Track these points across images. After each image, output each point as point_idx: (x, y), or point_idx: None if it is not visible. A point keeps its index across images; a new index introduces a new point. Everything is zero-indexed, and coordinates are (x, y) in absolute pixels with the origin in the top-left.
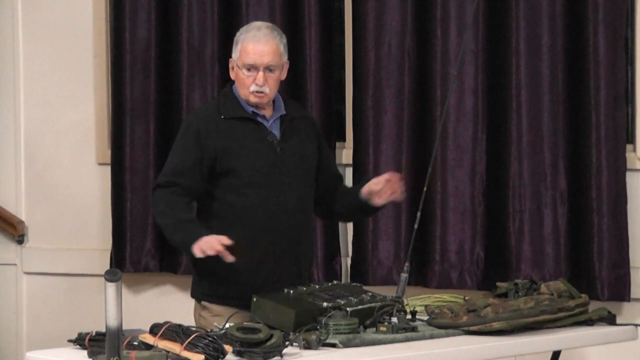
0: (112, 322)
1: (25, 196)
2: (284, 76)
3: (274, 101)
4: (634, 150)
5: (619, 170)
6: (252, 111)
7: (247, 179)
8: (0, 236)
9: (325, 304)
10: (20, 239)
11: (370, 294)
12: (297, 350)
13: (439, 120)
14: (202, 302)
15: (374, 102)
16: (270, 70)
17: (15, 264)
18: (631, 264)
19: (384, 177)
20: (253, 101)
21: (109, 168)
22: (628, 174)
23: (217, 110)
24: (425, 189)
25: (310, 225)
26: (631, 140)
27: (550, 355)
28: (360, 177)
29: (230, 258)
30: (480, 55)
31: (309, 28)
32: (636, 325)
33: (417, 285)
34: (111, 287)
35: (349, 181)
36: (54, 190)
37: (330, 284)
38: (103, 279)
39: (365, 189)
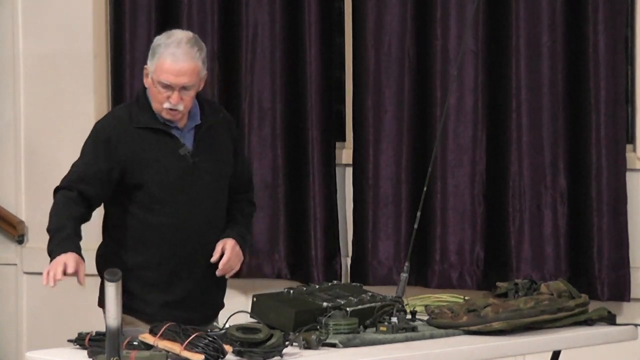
0: (112, 322)
1: (25, 196)
2: (201, 87)
3: (189, 110)
4: (634, 150)
5: (619, 170)
6: (165, 122)
7: (157, 196)
8: (0, 236)
9: (325, 304)
10: (20, 239)
11: (370, 294)
12: (297, 350)
13: (439, 120)
14: None
15: (374, 102)
16: (186, 89)
17: (15, 264)
18: (631, 264)
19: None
20: (165, 117)
21: None
22: (628, 174)
23: (129, 117)
24: (425, 189)
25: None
26: (631, 140)
27: (550, 355)
28: (361, 177)
29: (82, 283)
30: (480, 55)
31: (309, 28)
32: (636, 325)
33: (417, 285)
34: (111, 287)
35: (349, 181)
36: None
37: (330, 284)
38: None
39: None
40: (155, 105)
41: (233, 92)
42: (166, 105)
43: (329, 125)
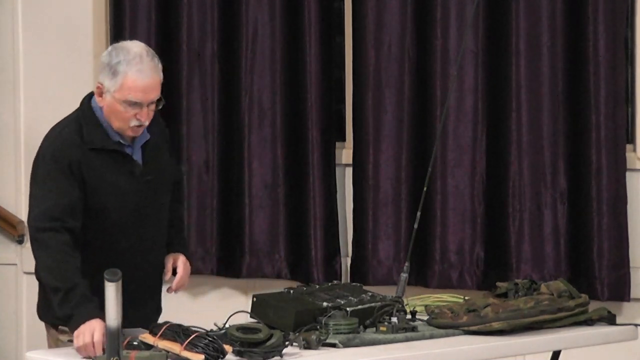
0: (112, 322)
1: (25, 196)
2: None
3: None
4: (634, 150)
5: (619, 170)
6: (118, 141)
7: (116, 220)
8: (0, 236)
9: (325, 304)
10: (20, 239)
11: (370, 294)
12: (297, 350)
13: (439, 120)
14: (60, 327)
15: (374, 102)
16: (153, 103)
17: (15, 264)
18: (631, 264)
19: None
20: (129, 134)
21: None
22: (628, 174)
23: (80, 137)
24: (425, 189)
25: (164, 250)
26: (631, 140)
27: (550, 355)
28: (361, 177)
29: (94, 353)
30: (480, 55)
31: (309, 28)
32: (636, 325)
33: (417, 285)
34: (111, 287)
35: (349, 181)
36: None
37: (330, 284)
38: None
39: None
40: (118, 125)
41: (233, 92)
42: (133, 123)
43: (329, 125)
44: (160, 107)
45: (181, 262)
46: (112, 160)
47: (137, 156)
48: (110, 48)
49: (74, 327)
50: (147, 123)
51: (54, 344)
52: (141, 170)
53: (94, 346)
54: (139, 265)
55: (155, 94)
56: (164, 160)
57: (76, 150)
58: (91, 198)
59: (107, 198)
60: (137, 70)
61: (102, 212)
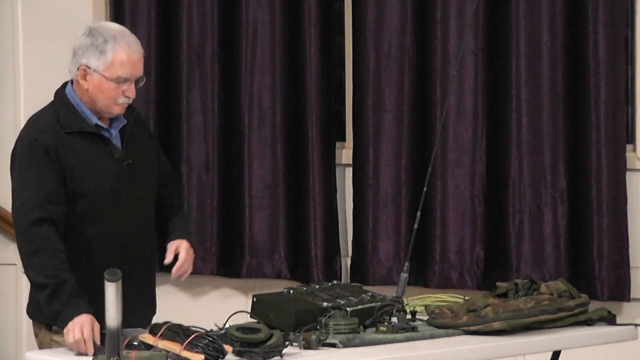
0: (112, 322)
1: None
2: None
3: None
4: (634, 150)
5: (619, 170)
6: (96, 124)
7: (97, 204)
8: (0, 236)
9: (325, 304)
10: None
11: (370, 294)
12: (297, 350)
13: (439, 120)
14: (54, 328)
15: (374, 102)
16: (137, 82)
17: (15, 264)
18: (631, 264)
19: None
20: (116, 112)
21: None
22: (628, 174)
23: (57, 122)
24: (425, 189)
25: (155, 241)
26: (631, 140)
27: (550, 355)
28: (361, 177)
29: (90, 351)
30: (480, 55)
31: (309, 28)
32: (636, 325)
33: (417, 285)
34: (111, 287)
35: (349, 181)
36: None
37: (330, 284)
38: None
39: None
40: (105, 103)
41: (233, 92)
42: (121, 100)
43: (329, 125)
44: (141, 84)
45: (184, 248)
46: (91, 143)
47: (116, 141)
48: (85, 30)
49: (62, 324)
50: (132, 100)
51: (46, 345)
52: (121, 154)
53: (85, 342)
54: (125, 253)
55: (141, 68)
56: (143, 146)
57: (52, 134)
58: (70, 182)
59: (87, 180)
60: (126, 45)
61: (83, 196)
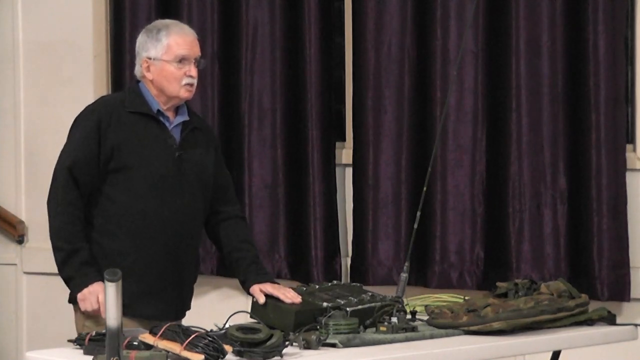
0: (112, 322)
1: (25, 196)
2: None
3: (178, 107)
4: (634, 150)
5: (619, 170)
6: (158, 110)
7: (141, 180)
8: (0, 236)
9: (325, 304)
10: (20, 239)
11: (370, 294)
12: (297, 350)
13: (439, 120)
14: (85, 312)
15: (374, 102)
16: (197, 63)
17: (15, 264)
18: (631, 264)
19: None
20: (184, 96)
21: None
22: (628, 174)
23: (122, 103)
24: (425, 189)
25: (199, 237)
26: (631, 140)
27: (550, 355)
28: (361, 177)
29: (103, 314)
30: (480, 55)
31: (309, 28)
32: (636, 325)
33: (417, 285)
34: (111, 287)
35: (349, 181)
36: None
37: (330, 284)
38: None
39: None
40: (171, 88)
41: (233, 92)
42: (185, 80)
43: (329, 125)
44: (202, 66)
45: (272, 287)
46: (147, 124)
47: (175, 133)
48: (142, 31)
49: (75, 289)
50: (196, 81)
51: (79, 328)
52: (174, 143)
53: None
54: (162, 231)
55: (198, 49)
56: (201, 151)
57: (112, 110)
58: (118, 155)
59: (135, 156)
60: (178, 29)
61: (128, 170)
